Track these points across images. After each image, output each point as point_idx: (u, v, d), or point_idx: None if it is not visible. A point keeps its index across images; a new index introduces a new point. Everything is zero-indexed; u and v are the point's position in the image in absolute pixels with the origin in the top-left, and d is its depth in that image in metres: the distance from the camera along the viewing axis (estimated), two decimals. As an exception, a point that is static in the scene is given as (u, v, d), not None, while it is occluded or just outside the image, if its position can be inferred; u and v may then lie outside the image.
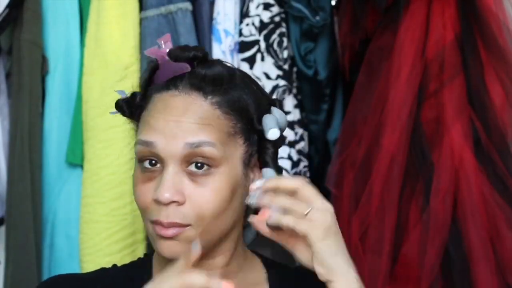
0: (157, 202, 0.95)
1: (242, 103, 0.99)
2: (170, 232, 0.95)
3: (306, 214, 0.92)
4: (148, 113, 0.99)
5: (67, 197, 1.89)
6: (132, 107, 1.03)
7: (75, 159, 1.88)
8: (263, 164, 1.01)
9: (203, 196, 0.95)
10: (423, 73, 1.73)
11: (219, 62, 1.01)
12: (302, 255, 0.95)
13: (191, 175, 0.95)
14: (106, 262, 1.81)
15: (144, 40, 1.88)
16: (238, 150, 0.98)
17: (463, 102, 1.70)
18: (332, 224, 0.93)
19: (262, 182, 0.96)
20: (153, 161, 0.97)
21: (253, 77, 1.87)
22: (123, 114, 1.04)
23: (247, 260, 1.07)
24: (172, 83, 0.98)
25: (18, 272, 1.84)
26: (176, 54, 0.99)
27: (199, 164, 0.95)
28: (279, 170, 1.05)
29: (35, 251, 1.84)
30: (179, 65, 0.98)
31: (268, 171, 1.00)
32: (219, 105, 0.97)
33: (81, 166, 1.88)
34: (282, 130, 1.03)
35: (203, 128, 0.95)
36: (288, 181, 0.95)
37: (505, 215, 1.63)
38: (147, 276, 1.04)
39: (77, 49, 1.91)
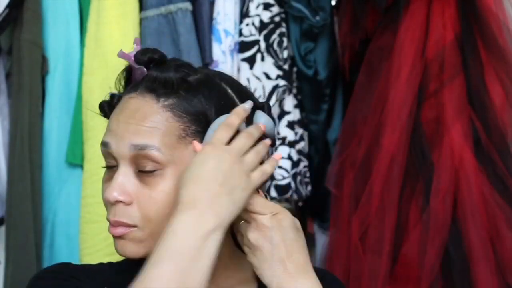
0: (107, 201, 0.97)
1: (198, 107, 0.98)
2: (118, 231, 0.97)
3: None
4: (112, 115, 1.01)
5: (67, 197, 1.89)
6: (111, 108, 1.04)
7: (75, 159, 1.88)
8: None
9: (150, 198, 0.95)
10: (423, 73, 1.73)
11: (175, 65, 1.01)
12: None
13: (139, 176, 0.96)
14: (106, 262, 1.81)
15: (144, 40, 1.88)
16: (190, 153, 0.95)
17: (463, 102, 1.70)
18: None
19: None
20: (113, 161, 0.98)
21: (253, 77, 1.88)
22: (105, 115, 1.05)
23: (234, 260, 1.06)
24: (133, 86, 1.00)
25: (18, 272, 1.84)
26: (137, 57, 1.01)
27: (146, 167, 0.95)
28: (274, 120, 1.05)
29: (35, 251, 1.84)
30: (139, 69, 1.00)
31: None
32: (171, 108, 0.97)
33: (81, 166, 1.89)
34: (270, 135, 1.01)
35: (150, 131, 0.95)
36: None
37: (505, 215, 1.63)
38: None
39: (77, 49, 1.91)
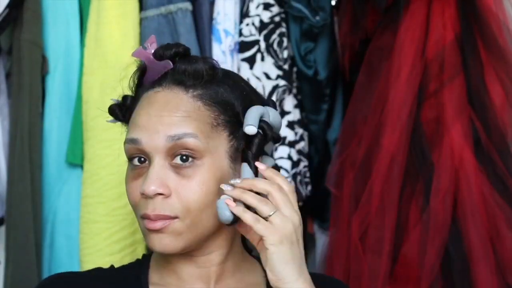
0: (144, 195, 0.96)
1: (225, 97, 1.00)
2: (157, 224, 0.96)
3: (269, 216, 0.93)
4: (134, 112, 1.01)
5: (67, 197, 1.89)
6: (123, 110, 1.05)
7: (75, 159, 1.88)
8: (243, 160, 1.01)
9: (189, 189, 0.96)
10: (423, 73, 1.73)
11: (201, 58, 1.03)
12: (262, 255, 0.96)
13: (176, 168, 0.97)
14: (106, 262, 1.80)
15: (144, 40, 1.88)
16: (222, 143, 0.99)
17: (463, 102, 1.70)
18: (291, 233, 0.93)
19: (236, 182, 0.97)
20: (142, 158, 0.99)
21: (253, 77, 1.88)
22: (116, 118, 1.06)
23: (246, 262, 1.07)
24: (157, 82, 1.01)
25: (18, 272, 1.84)
26: (160, 53, 1.01)
27: (184, 157, 0.96)
28: (277, 167, 1.07)
29: (35, 251, 1.84)
30: (162, 63, 1.00)
31: (245, 169, 0.99)
32: (200, 98, 0.99)
33: (81, 166, 1.88)
34: (276, 129, 1.03)
35: (184, 120, 0.96)
36: (262, 184, 0.95)
37: (505, 215, 1.63)
38: (144, 276, 1.05)
39: (77, 49, 1.91)
